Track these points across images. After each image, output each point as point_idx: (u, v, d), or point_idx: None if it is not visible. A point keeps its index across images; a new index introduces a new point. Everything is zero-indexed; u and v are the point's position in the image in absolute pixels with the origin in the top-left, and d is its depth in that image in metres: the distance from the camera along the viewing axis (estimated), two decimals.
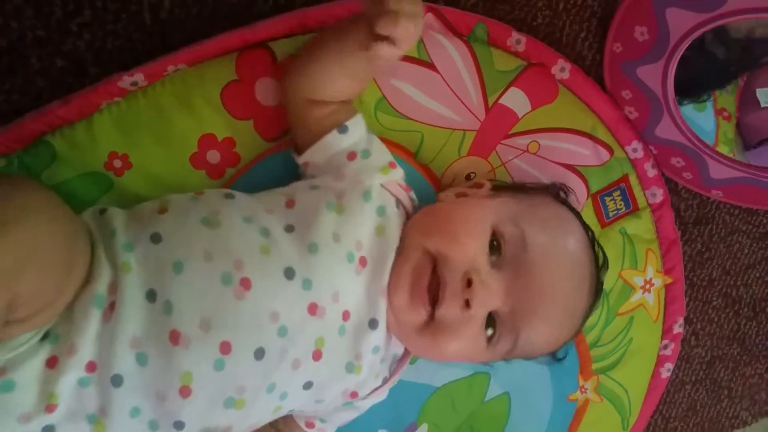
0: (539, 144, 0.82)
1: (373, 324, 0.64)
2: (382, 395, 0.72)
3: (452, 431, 0.83)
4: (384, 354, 0.68)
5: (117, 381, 0.56)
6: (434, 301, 0.62)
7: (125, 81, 0.67)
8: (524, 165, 0.82)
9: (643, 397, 0.94)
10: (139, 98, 0.67)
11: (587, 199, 0.86)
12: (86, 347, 0.56)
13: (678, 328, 0.94)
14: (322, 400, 0.66)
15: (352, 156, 0.66)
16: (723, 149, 0.91)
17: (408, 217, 0.69)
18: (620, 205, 0.88)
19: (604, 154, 0.86)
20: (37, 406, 0.55)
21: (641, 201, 0.89)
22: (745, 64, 0.93)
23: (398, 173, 0.69)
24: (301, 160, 0.68)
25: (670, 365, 0.94)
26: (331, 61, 0.63)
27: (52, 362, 0.55)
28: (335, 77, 0.64)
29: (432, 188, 0.78)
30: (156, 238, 0.59)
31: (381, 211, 0.66)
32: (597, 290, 0.71)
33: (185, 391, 0.57)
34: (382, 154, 0.68)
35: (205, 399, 0.58)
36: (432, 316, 0.62)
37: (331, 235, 0.62)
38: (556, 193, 0.74)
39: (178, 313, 0.56)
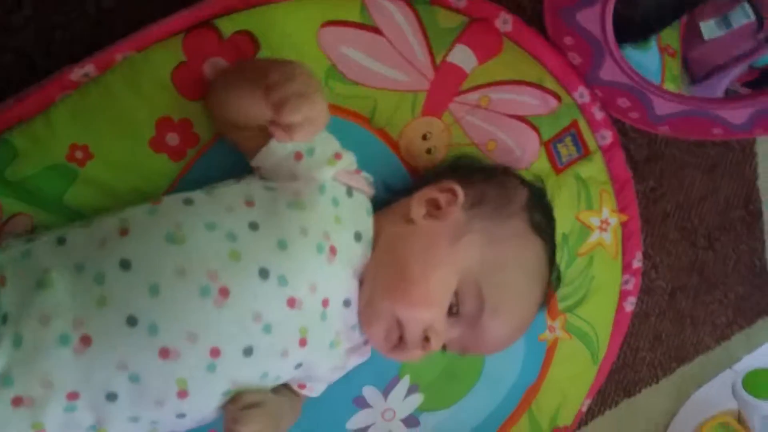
0: (490, 98, 0.84)
1: (347, 303, 0.68)
2: (365, 354, 0.75)
3: (434, 378, 0.87)
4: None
5: (112, 397, 0.59)
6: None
7: (76, 73, 0.67)
8: (478, 120, 0.84)
9: (609, 332, 0.98)
10: (92, 88, 0.68)
11: (540, 147, 0.88)
12: (63, 381, 0.57)
13: (637, 263, 0.97)
14: (312, 374, 0.71)
15: (298, 156, 0.67)
16: (669, 86, 0.94)
17: (367, 195, 0.72)
18: (572, 150, 0.91)
19: (553, 102, 0.88)
20: None
21: (592, 144, 0.92)
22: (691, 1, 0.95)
23: (345, 161, 0.70)
24: (252, 164, 0.69)
25: (632, 299, 0.98)
26: (248, 100, 0.64)
27: (17, 402, 0.57)
28: (255, 112, 0.64)
29: (391, 152, 0.80)
30: (125, 265, 0.59)
31: (335, 202, 0.68)
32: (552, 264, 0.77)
33: (182, 394, 0.60)
34: (327, 146, 0.69)
35: (203, 397, 0.62)
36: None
37: (298, 230, 0.64)
38: (532, 204, 0.75)
39: (164, 332, 0.59)
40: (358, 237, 0.68)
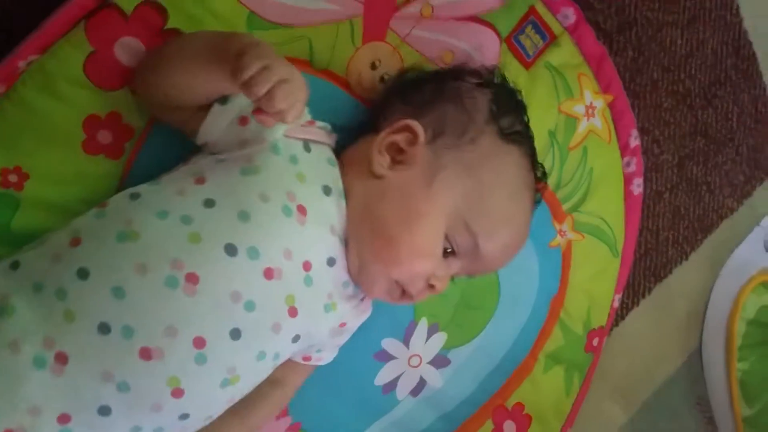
0: (432, 5, 0.77)
1: (331, 262, 0.64)
2: (365, 311, 0.72)
3: (451, 314, 0.83)
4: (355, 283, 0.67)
5: (105, 411, 0.56)
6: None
7: None
8: (426, 33, 0.78)
9: (623, 220, 0.93)
10: (6, 106, 0.64)
11: (501, 45, 0.82)
12: (49, 405, 0.55)
13: (634, 141, 0.92)
14: (313, 344, 0.67)
15: (243, 121, 0.63)
16: None
17: (330, 147, 0.68)
18: (536, 39, 0.85)
19: None
20: None
21: (556, 28, 0.85)
22: None
23: None
24: (198, 142, 0.64)
25: (639, 180, 0.93)
26: (201, 79, 0.59)
27: None
28: (198, 90, 0.61)
29: (343, 92, 0.74)
30: (83, 274, 0.56)
31: (294, 160, 0.63)
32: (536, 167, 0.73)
33: (177, 393, 0.57)
34: None
35: (200, 391, 0.59)
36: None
37: (257, 197, 0.60)
38: (496, 109, 0.69)
39: (140, 331, 0.55)
40: (327, 191, 0.64)
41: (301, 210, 0.62)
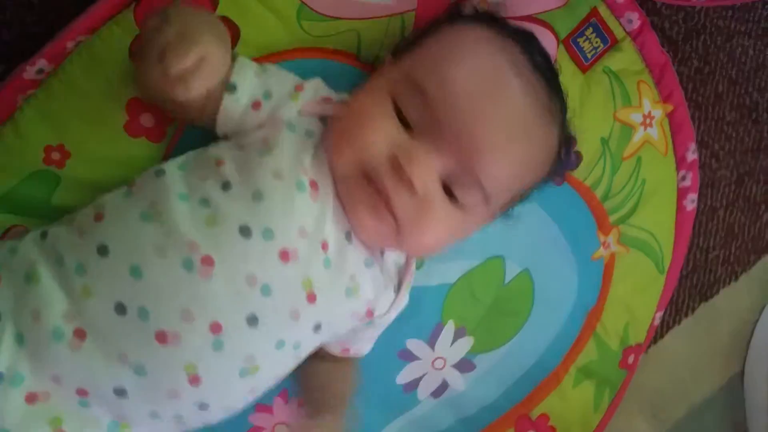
0: (488, 3, 0.75)
1: (348, 237, 0.62)
2: (403, 302, 0.70)
3: (480, 319, 0.81)
4: (381, 264, 0.65)
5: (120, 393, 0.56)
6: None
7: (29, 72, 0.64)
8: None
9: (672, 235, 0.89)
10: (53, 84, 0.64)
11: (558, 46, 0.79)
12: (68, 377, 0.55)
13: (692, 155, 0.87)
14: (338, 333, 0.66)
15: (256, 106, 0.62)
16: None
17: None
18: (596, 42, 0.81)
19: None
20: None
21: (618, 32, 0.81)
22: None
23: (309, 91, 0.64)
24: (218, 133, 0.63)
25: (693, 195, 0.89)
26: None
27: (31, 398, 0.55)
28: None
29: None
30: (103, 251, 0.56)
31: (309, 134, 0.62)
32: (548, 80, 0.63)
33: (195, 380, 0.57)
34: (283, 83, 0.63)
35: (218, 379, 0.58)
36: (397, 220, 0.59)
37: (271, 176, 0.58)
38: (455, 13, 0.66)
39: (156, 314, 0.55)
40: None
41: (314, 185, 0.60)
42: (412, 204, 0.58)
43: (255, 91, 0.62)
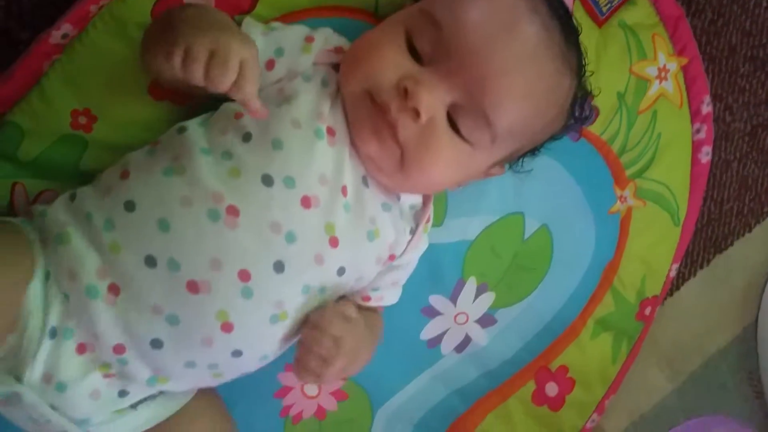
0: None
1: (365, 181, 0.63)
2: (422, 244, 0.71)
3: (501, 275, 0.83)
4: (399, 207, 0.67)
5: (157, 344, 0.58)
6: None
7: (55, 36, 0.64)
8: None
9: (687, 188, 0.90)
10: (77, 48, 0.65)
11: (574, 1, 0.79)
12: (106, 334, 0.57)
13: (706, 108, 0.88)
14: (361, 277, 0.66)
15: (270, 65, 0.63)
16: None
17: None
18: None
19: None
20: (100, 383, 0.59)
21: None
22: None
23: (320, 41, 0.65)
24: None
25: (707, 148, 0.89)
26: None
27: (81, 349, 0.58)
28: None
29: None
30: (130, 206, 0.58)
31: (324, 83, 0.63)
32: (568, 35, 0.64)
33: (227, 327, 0.58)
34: (293, 37, 0.64)
35: (250, 326, 0.59)
36: (401, 147, 0.60)
37: (289, 124, 0.60)
38: None
39: (186, 265, 0.56)
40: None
41: (331, 132, 0.61)
42: (417, 131, 0.60)
43: (265, 51, 0.62)
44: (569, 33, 0.64)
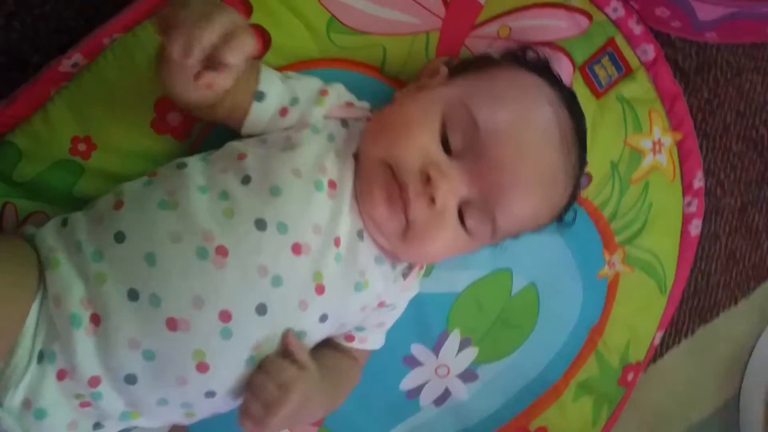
0: (509, 27, 0.77)
1: (361, 235, 0.63)
2: (413, 288, 0.72)
3: (486, 330, 0.83)
4: (391, 260, 0.67)
5: (131, 379, 0.57)
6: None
7: (65, 65, 0.66)
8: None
9: (676, 258, 0.91)
10: (85, 77, 0.66)
11: (574, 72, 0.81)
12: (83, 365, 0.57)
13: (698, 183, 0.90)
14: (343, 324, 0.66)
15: (284, 112, 0.64)
16: None
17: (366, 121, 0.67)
18: (611, 70, 0.83)
19: (583, 21, 0.80)
20: (76, 413, 0.58)
21: (633, 61, 0.84)
22: None
23: (333, 96, 0.66)
24: (243, 133, 0.65)
25: (698, 221, 0.91)
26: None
27: (61, 375, 0.57)
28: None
29: None
30: (119, 237, 0.58)
31: (331, 137, 0.64)
32: (580, 145, 0.68)
33: (202, 367, 0.58)
34: (308, 89, 0.65)
35: (226, 367, 0.59)
36: (408, 221, 0.61)
37: (290, 173, 0.60)
38: (521, 56, 0.69)
39: (167, 301, 0.56)
40: (357, 158, 0.64)
41: (332, 185, 0.62)
42: (428, 213, 0.61)
43: (282, 98, 0.64)
44: (582, 146, 0.69)
